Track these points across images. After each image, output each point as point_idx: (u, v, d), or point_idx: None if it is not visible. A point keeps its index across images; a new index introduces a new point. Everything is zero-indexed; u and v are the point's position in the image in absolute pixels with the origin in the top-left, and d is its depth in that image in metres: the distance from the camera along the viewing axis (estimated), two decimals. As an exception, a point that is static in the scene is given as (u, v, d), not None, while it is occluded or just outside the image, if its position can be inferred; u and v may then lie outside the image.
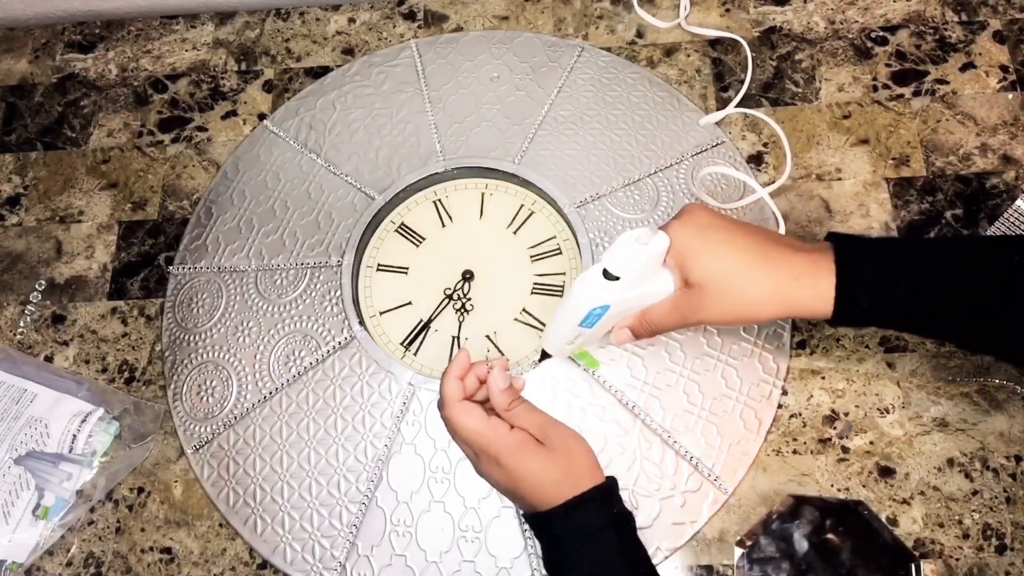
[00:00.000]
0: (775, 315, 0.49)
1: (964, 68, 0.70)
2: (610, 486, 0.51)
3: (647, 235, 0.48)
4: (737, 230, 0.49)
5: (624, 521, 0.51)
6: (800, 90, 0.70)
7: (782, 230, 0.65)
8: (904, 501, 0.57)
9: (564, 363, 0.61)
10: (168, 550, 0.60)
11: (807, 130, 0.69)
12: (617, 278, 0.49)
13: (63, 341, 0.67)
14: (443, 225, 0.68)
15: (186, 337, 0.66)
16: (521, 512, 0.57)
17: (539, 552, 0.56)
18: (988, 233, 0.62)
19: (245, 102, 0.75)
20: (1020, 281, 0.46)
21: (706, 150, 0.68)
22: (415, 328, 0.65)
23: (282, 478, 0.60)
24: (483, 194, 0.69)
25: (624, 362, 0.61)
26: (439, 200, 0.69)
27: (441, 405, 0.52)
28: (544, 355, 0.56)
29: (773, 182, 0.67)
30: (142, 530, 0.61)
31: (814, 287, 0.47)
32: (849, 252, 0.48)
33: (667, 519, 0.57)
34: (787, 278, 0.47)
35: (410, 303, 0.66)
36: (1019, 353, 0.49)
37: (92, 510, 0.61)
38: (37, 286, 0.70)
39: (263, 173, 0.71)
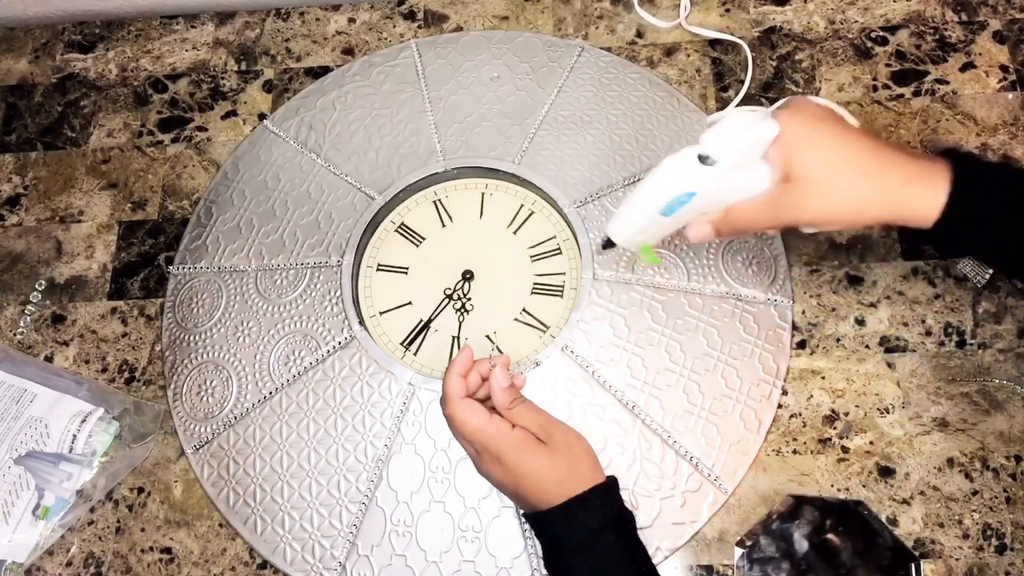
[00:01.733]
0: (879, 216, 0.46)
1: (964, 68, 0.70)
2: (611, 485, 0.51)
3: (757, 119, 0.45)
4: (849, 128, 0.47)
5: (625, 521, 0.51)
6: (800, 90, 0.70)
7: None
8: (904, 501, 0.57)
9: (570, 366, 0.61)
10: (168, 550, 0.60)
11: (807, 130, 0.69)
12: (713, 163, 0.45)
13: (63, 341, 0.67)
14: (443, 225, 0.68)
15: (186, 337, 0.66)
16: (521, 512, 0.57)
17: (539, 552, 0.56)
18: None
19: (245, 102, 0.75)
20: None
21: (706, 150, 0.68)
22: (415, 328, 0.65)
23: (282, 478, 0.60)
24: (483, 194, 0.69)
25: (624, 362, 0.61)
26: (439, 200, 0.69)
27: (443, 402, 0.51)
28: (608, 243, 0.52)
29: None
30: (142, 530, 0.61)
31: (924, 194, 0.45)
32: (967, 167, 0.46)
33: (667, 519, 0.57)
34: (898, 179, 0.46)
35: (410, 303, 0.66)
36: None
37: (92, 510, 0.61)
38: (37, 286, 0.70)
39: (263, 173, 0.71)
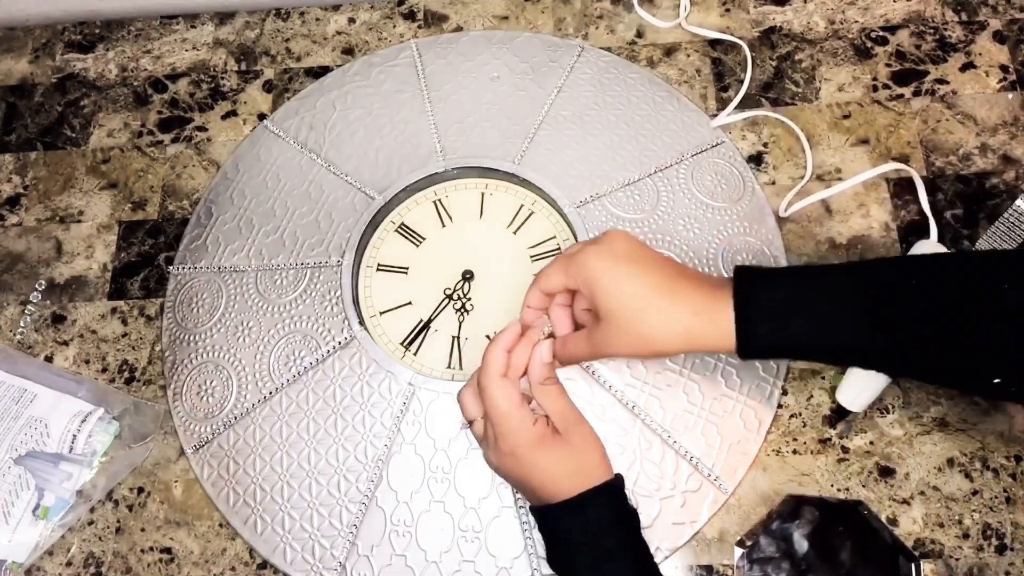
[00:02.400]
0: (679, 350, 0.48)
1: (964, 68, 0.70)
2: (618, 484, 0.52)
3: None
4: (649, 263, 0.49)
5: (631, 518, 0.51)
6: (800, 90, 0.70)
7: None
8: (904, 501, 0.57)
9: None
10: (168, 550, 0.60)
11: (807, 130, 0.69)
12: None
13: (63, 341, 0.67)
14: (443, 225, 0.68)
15: (186, 337, 0.66)
16: (527, 505, 0.56)
17: (540, 551, 0.56)
18: (987, 233, 0.62)
19: (245, 102, 0.75)
20: (930, 299, 0.44)
21: (706, 150, 0.68)
22: (415, 328, 0.65)
23: (282, 478, 0.60)
24: (483, 194, 0.69)
25: (624, 362, 0.61)
26: (439, 200, 0.69)
27: (482, 371, 0.51)
28: (841, 414, 0.58)
29: (774, 182, 0.67)
30: (142, 530, 0.61)
31: (713, 323, 0.47)
32: (748, 284, 0.47)
33: (667, 519, 0.57)
34: (687, 314, 0.47)
35: (410, 303, 0.66)
36: (929, 372, 0.48)
37: (92, 510, 0.61)
38: (37, 286, 0.70)
39: (263, 173, 0.71)
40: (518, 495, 0.58)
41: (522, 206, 0.68)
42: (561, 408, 0.52)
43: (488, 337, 0.64)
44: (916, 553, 0.55)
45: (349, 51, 0.77)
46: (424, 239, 0.68)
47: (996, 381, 0.44)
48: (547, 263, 0.53)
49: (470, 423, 0.53)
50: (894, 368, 0.52)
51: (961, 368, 0.45)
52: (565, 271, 0.50)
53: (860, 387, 0.57)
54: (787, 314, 0.46)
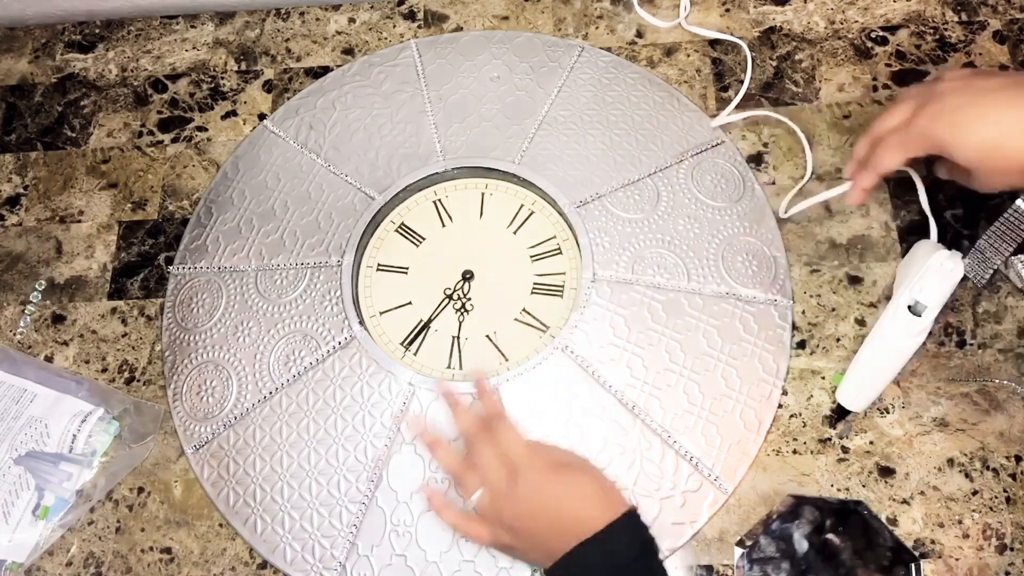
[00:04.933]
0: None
1: (964, 68, 0.70)
2: (637, 512, 0.52)
3: (951, 263, 0.51)
4: (980, 85, 0.51)
5: (653, 545, 0.52)
6: (800, 90, 0.70)
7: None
8: (904, 501, 0.57)
9: (570, 366, 0.61)
10: (168, 550, 0.60)
11: (807, 130, 0.69)
12: (923, 309, 0.51)
13: (63, 341, 0.67)
14: (443, 225, 0.68)
15: (186, 337, 0.66)
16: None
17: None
18: (987, 233, 0.62)
19: (245, 102, 0.75)
20: None
21: (706, 150, 0.68)
22: (415, 328, 0.65)
23: (282, 478, 0.60)
24: (483, 194, 0.69)
25: (624, 362, 0.61)
26: (439, 200, 0.69)
27: (496, 417, 0.55)
28: (842, 413, 0.58)
29: (774, 182, 0.67)
30: (142, 530, 0.61)
31: None
32: None
33: (667, 519, 0.57)
34: None
35: (410, 303, 0.66)
36: None
37: (92, 510, 0.61)
38: (37, 286, 0.70)
39: (263, 173, 0.71)
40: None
41: (522, 206, 0.68)
42: (551, 453, 0.55)
43: (488, 337, 0.64)
44: (916, 553, 0.55)
45: (349, 51, 0.77)
46: (424, 239, 0.68)
47: None
48: (879, 133, 0.55)
49: (473, 503, 0.53)
50: None
51: None
52: (904, 148, 0.52)
53: (861, 386, 0.57)
54: None
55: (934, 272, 0.50)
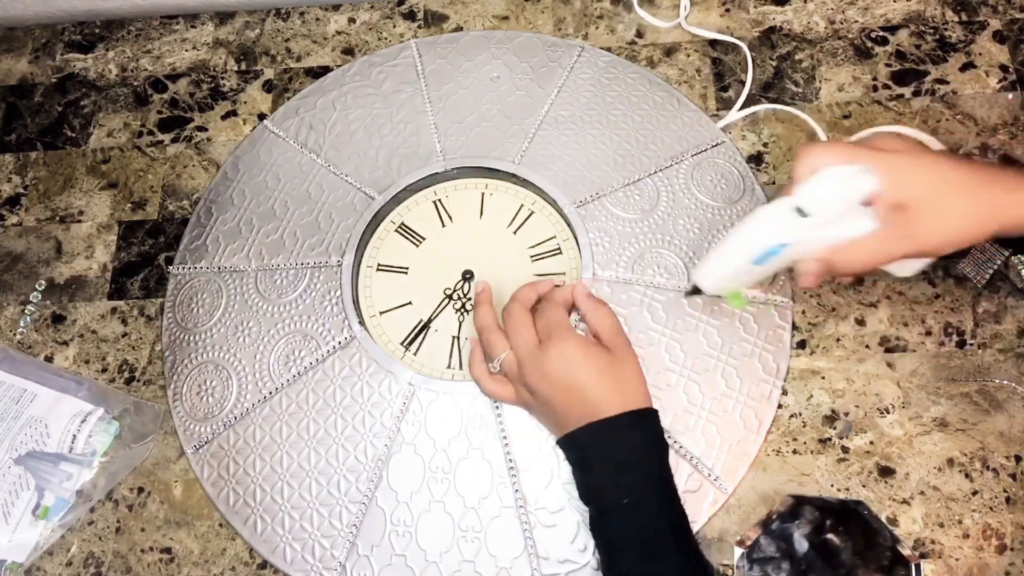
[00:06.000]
0: (993, 227, 0.48)
1: (964, 68, 0.70)
2: (657, 414, 0.54)
3: (854, 173, 0.46)
4: (938, 154, 0.50)
5: (664, 449, 0.54)
6: (800, 90, 0.70)
7: None
8: (904, 501, 0.57)
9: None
10: (168, 550, 0.60)
11: (807, 130, 0.69)
12: (809, 215, 0.47)
13: (63, 341, 0.67)
14: (443, 225, 0.68)
15: (186, 337, 0.66)
16: (527, 506, 0.57)
17: (539, 551, 0.56)
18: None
19: (245, 102, 0.75)
20: None
21: (706, 150, 0.68)
22: (415, 328, 0.65)
23: (282, 478, 0.60)
24: (483, 194, 0.69)
25: (624, 362, 0.61)
26: (439, 200, 0.69)
27: (510, 304, 0.57)
28: (695, 290, 0.56)
29: (774, 182, 0.67)
30: (142, 530, 0.61)
31: None
32: None
33: (667, 519, 0.57)
34: (1002, 189, 0.47)
35: (410, 303, 0.66)
36: None
37: (92, 510, 0.61)
38: (37, 286, 0.70)
39: (263, 173, 0.71)
40: (520, 497, 0.58)
41: (522, 206, 0.68)
42: (612, 325, 0.56)
43: (488, 337, 0.64)
44: (916, 553, 0.55)
45: (349, 51, 0.77)
46: (424, 239, 0.68)
47: None
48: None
49: (499, 360, 0.56)
50: None
51: None
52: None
53: (716, 267, 0.53)
54: None
55: (829, 180, 0.46)
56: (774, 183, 0.67)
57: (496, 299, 0.63)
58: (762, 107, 0.70)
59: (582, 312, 0.58)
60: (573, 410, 0.53)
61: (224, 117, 0.75)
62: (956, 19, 0.72)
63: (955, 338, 0.61)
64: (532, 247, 0.67)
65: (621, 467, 0.51)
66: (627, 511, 0.50)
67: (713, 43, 0.73)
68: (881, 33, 0.72)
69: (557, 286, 0.60)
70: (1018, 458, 0.57)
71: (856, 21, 0.73)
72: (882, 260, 0.50)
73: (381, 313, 0.66)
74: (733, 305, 0.58)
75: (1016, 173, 0.49)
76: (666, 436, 0.58)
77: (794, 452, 0.59)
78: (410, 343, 0.64)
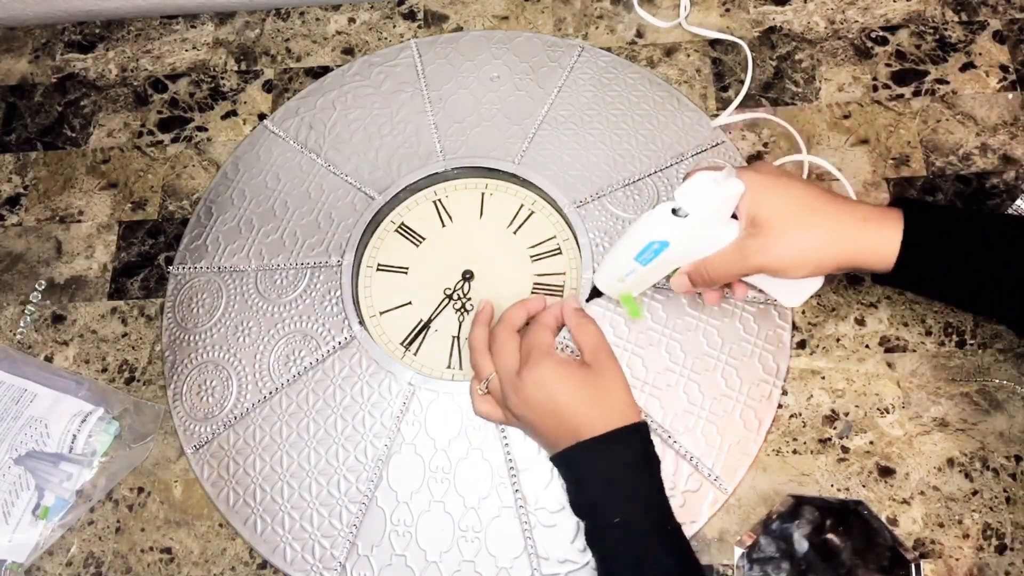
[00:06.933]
0: (840, 257, 0.50)
1: (964, 68, 0.70)
2: (645, 427, 0.54)
3: (724, 176, 0.49)
4: (804, 181, 0.53)
5: (655, 463, 0.53)
6: (800, 90, 0.70)
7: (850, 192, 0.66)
8: (904, 501, 0.57)
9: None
10: (168, 550, 0.60)
11: (807, 130, 0.69)
12: (685, 215, 0.50)
13: (63, 341, 0.67)
14: (443, 225, 0.68)
15: (186, 337, 0.66)
16: (528, 505, 0.57)
17: (540, 551, 0.56)
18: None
19: (245, 102, 0.75)
20: None
21: (706, 150, 0.68)
22: (415, 328, 0.65)
23: (282, 478, 0.60)
24: (483, 194, 0.69)
25: (624, 362, 0.61)
26: (439, 200, 0.69)
27: (499, 325, 0.57)
28: (595, 292, 0.59)
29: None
30: (142, 530, 0.61)
31: (880, 235, 0.49)
32: (917, 209, 0.50)
33: (667, 519, 0.57)
34: (855, 221, 0.49)
35: (410, 303, 0.66)
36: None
37: (92, 510, 0.61)
38: (37, 286, 0.70)
39: (263, 173, 0.71)
40: (520, 497, 0.58)
41: (522, 206, 0.68)
42: (594, 342, 0.55)
43: (488, 337, 0.64)
44: (916, 553, 0.55)
45: (349, 51, 0.77)
46: (424, 239, 0.68)
47: None
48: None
49: (486, 383, 0.56)
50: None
51: None
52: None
53: (609, 267, 0.56)
54: (952, 246, 0.49)
55: (702, 181, 0.49)
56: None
57: (496, 304, 0.63)
58: (751, 115, 0.70)
59: (568, 328, 0.58)
60: (558, 430, 0.53)
61: (224, 117, 0.75)
62: (956, 19, 0.72)
63: (955, 338, 0.61)
64: (532, 247, 0.67)
65: (610, 485, 0.51)
66: (618, 529, 0.50)
67: (713, 43, 0.73)
68: (881, 33, 0.72)
69: (548, 304, 0.60)
70: (1018, 458, 0.57)
71: (856, 21, 0.73)
72: (738, 271, 0.52)
73: (381, 313, 0.66)
74: (628, 311, 0.60)
75: (872, 207, 0.51)
76: (666, 436, 0.59)
77: (794, 452, 0.59)
78: (410, 343, 0.64)
